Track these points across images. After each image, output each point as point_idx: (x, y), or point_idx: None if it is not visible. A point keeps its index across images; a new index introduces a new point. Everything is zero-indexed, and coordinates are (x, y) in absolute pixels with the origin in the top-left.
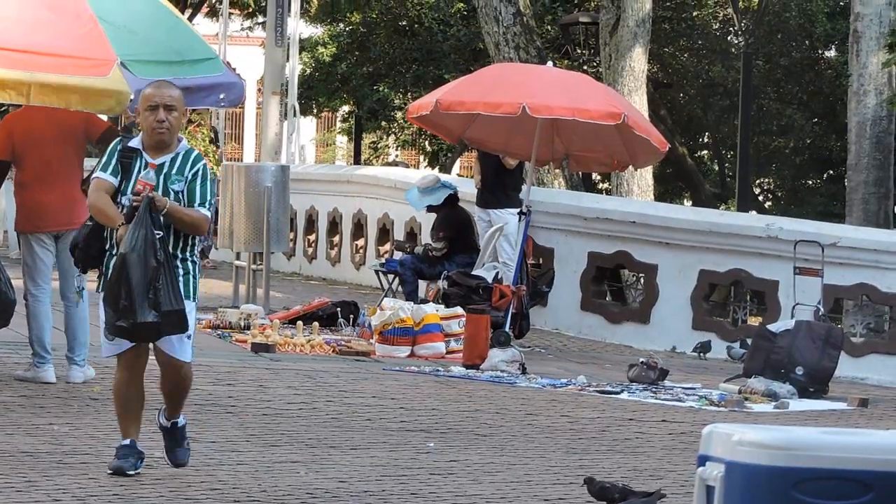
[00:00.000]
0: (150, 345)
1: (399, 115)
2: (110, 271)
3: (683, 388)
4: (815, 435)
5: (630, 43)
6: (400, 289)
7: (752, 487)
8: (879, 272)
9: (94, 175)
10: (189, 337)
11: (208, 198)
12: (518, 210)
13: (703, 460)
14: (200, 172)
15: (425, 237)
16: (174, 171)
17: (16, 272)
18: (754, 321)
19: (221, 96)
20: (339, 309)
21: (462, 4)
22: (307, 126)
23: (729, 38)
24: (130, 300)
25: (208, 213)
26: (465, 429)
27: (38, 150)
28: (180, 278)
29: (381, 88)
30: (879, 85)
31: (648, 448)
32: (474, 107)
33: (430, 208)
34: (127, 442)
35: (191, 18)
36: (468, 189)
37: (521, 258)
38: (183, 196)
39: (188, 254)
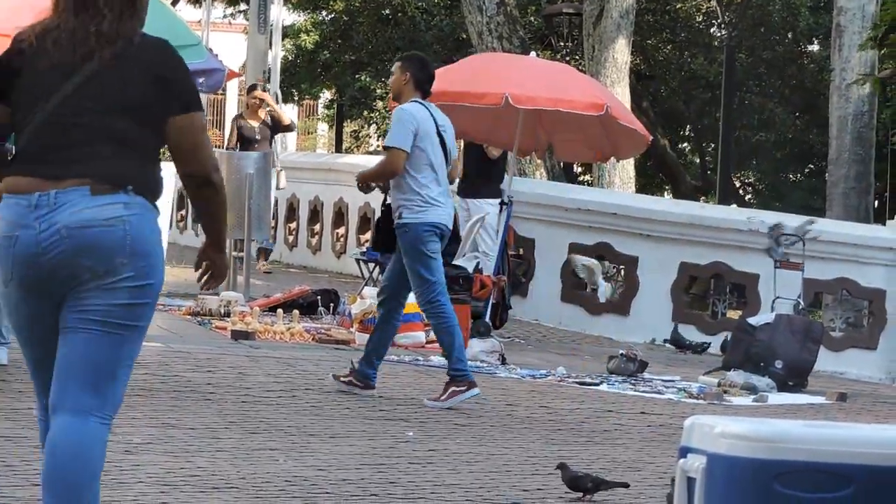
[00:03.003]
0: None
1: (381, 104)
2: None
3: (663, 380)
4: (798, 428)
5: (613, 34)
6: (381, 277)
7: (734, 479)
8: (859, 266)
9: None
10: None
11: None
12: (499, 200)
13: (684, 452)
14: None
15: None
16: None
17: None
18: (734, 314)
19: (200, 80)
20: (319, 297)
21: None
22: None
23: (712, 30)
24: None
25: None
26: (445, 418)
27: None
28: None
29: (363, 77)
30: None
31: (627, 439)
32: (457, 97)
33: None
34: None
35: (174, 4)
36: None
37: (502, 248)
38: None
39: None
